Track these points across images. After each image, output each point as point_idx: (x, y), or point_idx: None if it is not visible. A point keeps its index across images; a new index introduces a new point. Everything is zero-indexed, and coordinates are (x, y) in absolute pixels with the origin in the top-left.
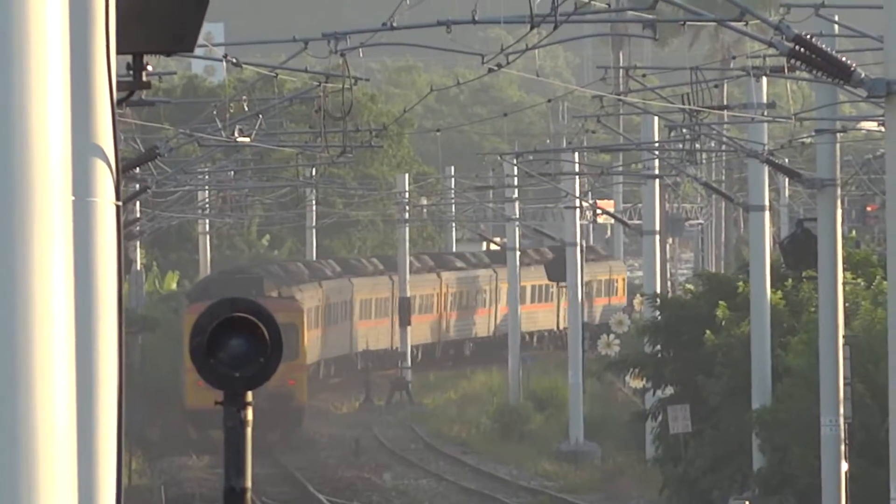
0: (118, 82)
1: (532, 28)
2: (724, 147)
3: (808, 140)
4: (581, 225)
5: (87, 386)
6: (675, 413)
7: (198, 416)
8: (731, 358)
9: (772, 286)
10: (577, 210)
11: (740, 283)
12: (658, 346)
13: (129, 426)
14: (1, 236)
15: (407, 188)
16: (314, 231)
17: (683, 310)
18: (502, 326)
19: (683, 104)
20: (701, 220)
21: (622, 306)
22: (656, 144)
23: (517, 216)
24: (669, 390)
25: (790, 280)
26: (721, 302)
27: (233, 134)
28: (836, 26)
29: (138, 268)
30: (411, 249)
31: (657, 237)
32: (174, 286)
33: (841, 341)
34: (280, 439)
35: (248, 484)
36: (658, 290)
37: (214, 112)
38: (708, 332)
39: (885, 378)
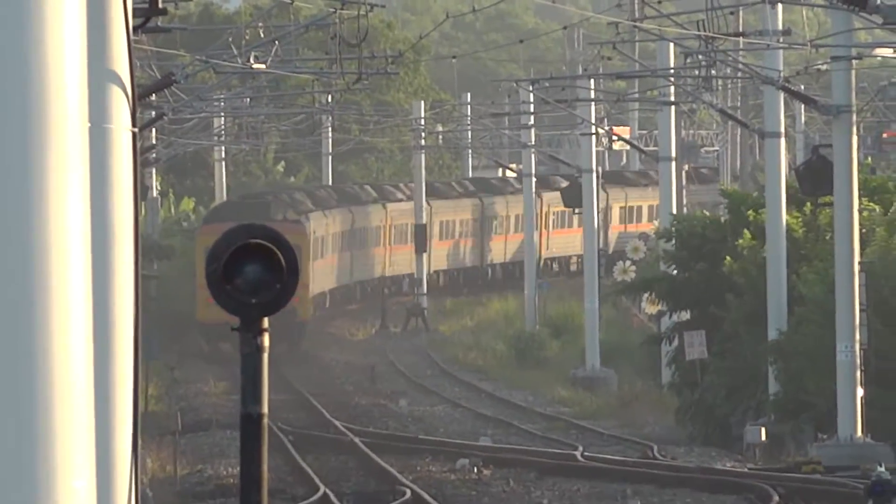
0: (134, 9)
1: None
2: (739, 74)
3: (824, 67)
4: (597, 151)
5: (104, 312)
6: (692, 339)
7: (209, 330)
8: (749, 283)
9: (789, 212)
10: (593, 137)
11: (750, 212)
12: (674, 268)
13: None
14: (18, 163)
15: (423, 115)
16: (330, 158)
17: (703, 227)
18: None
19: (699, 31)
20: (717, 147)
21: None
22: (672, 71)
23: (533, 143)
24: (685, 315)
25: (808, 205)
26: (745, 231)
27: (248, 61)
28: None
29: (154, 195)
30: (427, 177)
31: (673, 164)
32: (191, 211)
33: (857, 268)
34: (285, 351)
35: (265, 410)
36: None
37: (230, 39)
38: (728, 258)
39: None
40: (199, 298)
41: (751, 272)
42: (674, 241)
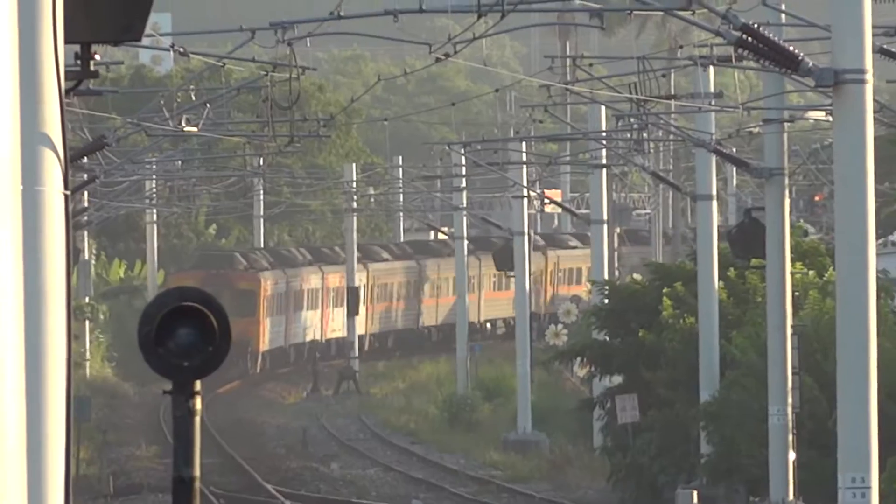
0: (66, 72)
1: (479, 17)
2: (671, 136)
3: (756, 129)
4: (529, 214)
5: (35, 374)
6: (624, 403)
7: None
8: (675, 352)
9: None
10: (525, 199)
11: (677, 285)
12: (605, 333)
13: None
14: None
15: (355, 178)
16: (262, 220)
17: (632, 298)
18: (451, 316)
19: (631, 93)
20: (649, 210)
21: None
22: (604, 134)
23: (465, 206)
24: (617, 379)
25: (733, 270)
26: (666, 299)
27: (180, 123)
28: (784, 15)
29: (86, 257)
30: (359, 239)
31: (605, 226)
32: (121, 274)
33: (789, 331)
34: (241, 377)
35: (197, 473)
36: (606, 278)
37: (162, 101)
38: (642, 332)
39: (833, 368)
40: None
41: (673, 342)
42: (603, 307)
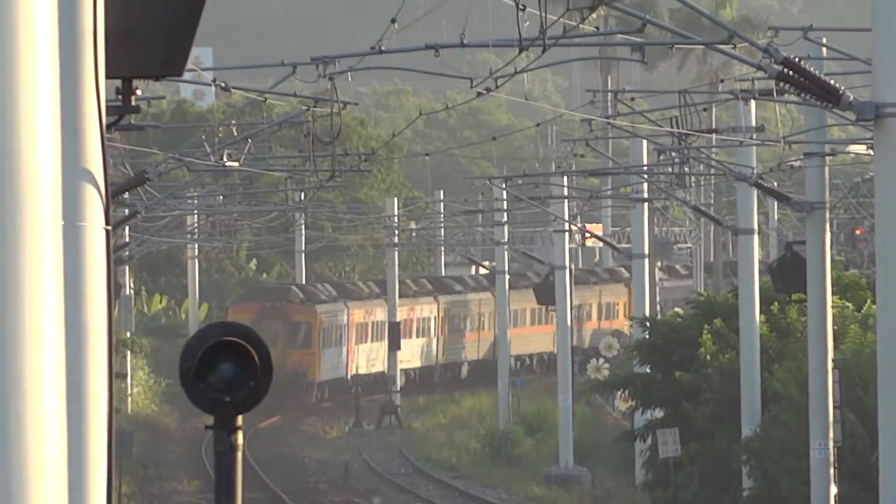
0: (107, 107)
1: (520, 52)
2: (712, 170)
3: (797, 163)
4: (570, 248)
5: (77, 410)
6: (665, 437)
7: None
8: (715, 387)
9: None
10: (566, 234)
11: (717, 321)
12: (647, 367)
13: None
14: None
15: (396, 212)
16: (303, 255)
17: (673, 332)
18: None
19: (672, 127)
20: (690, 244)
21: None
22: (645, 168)
23: (506, 240)
24: (658, 412)
25: (775, 304)
26: (706, 335)
27: (221, 158)
28: (825, 49)
29: (127, 292)
30: (400, 274)
31: (646, 261)
32: (161, 306)
33: (830, 364)
34: (296, 407)
35: None
36: (647, 313)
37: (203, 136)
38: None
39: (874, 402)
40: None
41: (712, 378)
42: (645, 342)
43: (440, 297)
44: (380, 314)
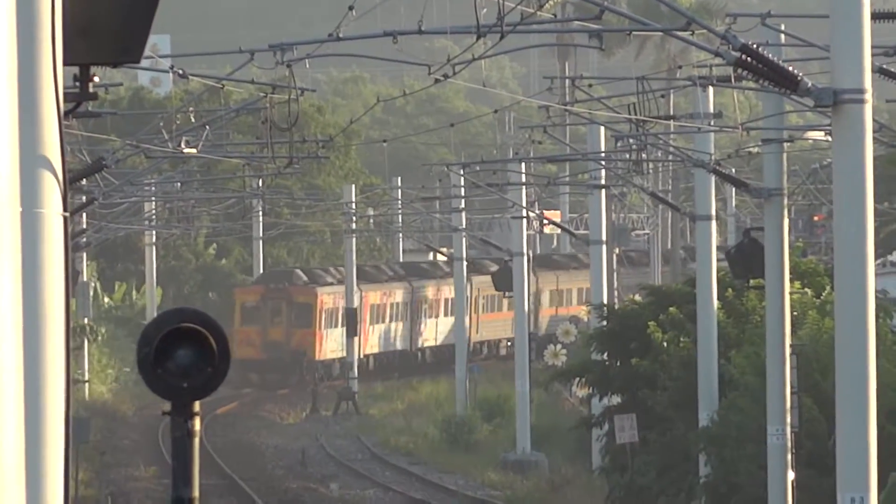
0: (65, 94)
1: (478, 38)
2: (670, 157)
3: (755, 150)
4: (528, 235)
5: (34, 396)
6: (622, 423)
7: None
8: (673, 374)
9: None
10: (524, 220)
11: (672, 309)
12: (604, 354)
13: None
14: None
15: (354, 199)
16: (261, 242)
17: (630, 319)
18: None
19: (630, 114)
20: (647, 230)
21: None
22: (603, 154)
23: (464, 226)
24: (615, 398)
25: (730, 290)
26: (653, 324)
27: (179, 145)
28: (783, 36)
29: (85, 279)
30: (358, 260)
31: (604, 247)
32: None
33: (788, 350)
34: (296, 383)
35: (196, 494)
36: (605, 300)
37: (161, 123)
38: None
39: (831, 388)
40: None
41: (669, 365)
42: (603, 329)
43: (413, 281)
44: (398, 296)
